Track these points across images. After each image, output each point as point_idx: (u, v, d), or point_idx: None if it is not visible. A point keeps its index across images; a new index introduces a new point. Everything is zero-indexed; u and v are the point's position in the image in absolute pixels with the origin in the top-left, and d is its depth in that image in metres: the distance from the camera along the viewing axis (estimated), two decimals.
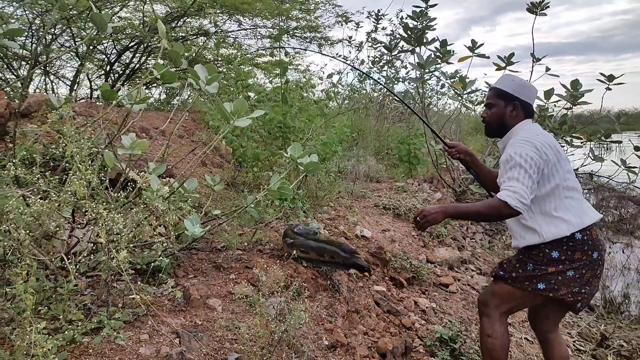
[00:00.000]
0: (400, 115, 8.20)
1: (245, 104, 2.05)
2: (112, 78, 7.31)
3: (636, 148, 5.36)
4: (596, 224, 2.12)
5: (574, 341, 3.51)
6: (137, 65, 7.45)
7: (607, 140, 5.53)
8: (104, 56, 7.16)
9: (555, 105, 5.61)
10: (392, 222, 4.42)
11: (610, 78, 5.34)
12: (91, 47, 6.43)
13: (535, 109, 5.64)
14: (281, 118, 3.59)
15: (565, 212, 2.05)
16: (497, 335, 2.18)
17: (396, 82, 8.84)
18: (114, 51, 7.12)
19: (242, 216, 3.24)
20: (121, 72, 7.47)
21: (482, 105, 2.39)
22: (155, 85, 7.67)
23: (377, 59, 8.92)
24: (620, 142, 5.62)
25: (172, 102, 7.72)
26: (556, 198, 2.06)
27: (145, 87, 6.04)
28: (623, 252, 6.18)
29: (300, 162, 2.14)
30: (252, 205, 2.45)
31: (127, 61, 7.45)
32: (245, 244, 2.95)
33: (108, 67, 7.22)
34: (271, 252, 2.88)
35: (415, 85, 6.53)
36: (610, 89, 5.44)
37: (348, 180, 5.28)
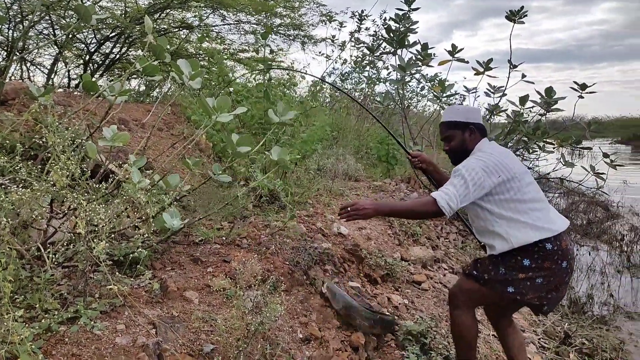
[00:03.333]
0: (380, 116, 8.29)
1: (228, 101, 2.08)
2: (91, 68, 7.21)
3: (605, 155, 5.57)
4: (566, 233, 2.23)
5: (539, 339, 3.65)
6: (117, 56, 7.35)
7: (578, 146, 5.73)
8: (83, 45, 7.05)
9: (530, 111, 5.79)
10: (368, 221, 4.49)
11: (583, 87, 5.52)
12: (70, 36, 6.33)
13: (510, 114, 5.82)
14: (262, 115, 3.63)
15: (531, 220, 2.16)
16: (468, 324, 2.32)
17: (377, 82, 8.95)
18: (94, 41, 7.01)
19: (221, 211, 3.27)
20: (100, 62, 7.36)
21: (441, 140, 2.55)
22: (134, 77, 7.58)
23: (360, 59, 9.01)
24: (590, 148, 5.83)
25: (152, 95, 7.66)
26: (519, 210, 2.17)
27: (125, 78, 5.98)
28: (589, 254, 6.41)
29: (272, 153, 2.18)
30: (238, 196, 2.48)
31: (107, 51, 7.35)
32: (224, 238, 2.97)
33: (87, 57, 7.11)
34: (249, 247, 2.91)
35: (396, 86, 6.63)
36: (582, 97, 5.63)
37: (327, 178, 5.34)
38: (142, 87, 8.00)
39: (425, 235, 4.88)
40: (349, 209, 2.19)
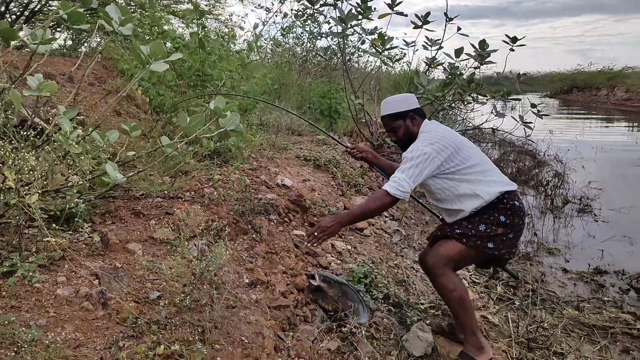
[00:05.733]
0: (322, 71, 8.28)
1: (162, 46, 2.01)
2: (9, 19, 6.60)
3: (532, 105, 5.92)
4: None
5: (470, 275, 3.96)
6: (38, 6, 6.77)
7: (509, 97, 6.05)
8: None
9: (466, 65, 6.02)
10: (312, 173, 4.58)
11: (514, 40, 5.78)
12: None
13: (447, 67, 5.99)
14: (199, 66, 3.53)
15: (487, 177, 2.37)
16: (459, 286, 2.39)
17: (319, 37, 8.85)
18: None
19: (163, 165, 3.21)
20: (19, 13, 6.76)
21: (385, 135, 2.70)
22: (60, 30, 7.03)
23: (301, 13, 8.83)
24: (519, 99, 6.17)
25: (80, 50, 7.15)
26: (475, 172, 2.36)
27: (50, 30, 5.56)
28: None
29: (222, 122, 2.16)
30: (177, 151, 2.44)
31: (26, 1, 6.74)
32: (166, 192, 2.94)
33: (3, 7, 6.49)
34: (192, 200, 2.91)
35: (337, 40, 6.61)
36: (513, 50, 5.89)
37: (270, 132, 5.33)
38: (70, 42, 7.45)
39: (367, 186, 5.05)
40: (315, 233, 2.31)
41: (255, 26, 7.14)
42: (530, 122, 5.90)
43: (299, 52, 9.04)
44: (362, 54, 9.82)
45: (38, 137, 2.12)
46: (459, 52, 5.60)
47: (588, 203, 6.58)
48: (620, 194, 6.81)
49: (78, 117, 2.20)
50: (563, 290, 4.08)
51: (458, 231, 2.40)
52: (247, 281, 2.45)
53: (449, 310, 2.60)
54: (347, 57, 7.29)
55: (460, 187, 2.36)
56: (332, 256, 3.33)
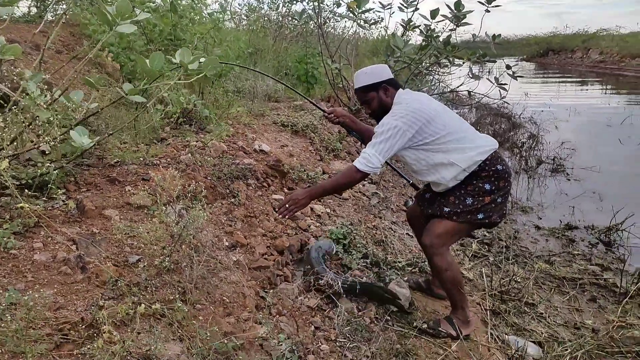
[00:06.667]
0: (299, 36, 8.13)
1: (129, 5, 1.95)
2: None
3: (507, 67, 5.96)
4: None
5: None
6: None
7: (484, 59, 6.06)
8: None
9: (443, 28, 5.98)
10: (290, 139, 4.57)
11: (489, 0, 5.75)
12: None
13: (423, 30, 5.95)
14: (170, 30, 3.43)
15: (462, 144, 2.34)
16: (452, 266, 2.46)
17: (294, 1, 8.65)
18: None
19: (137, 133, 3.17)
20: None
21: (360, 107, 2.65)
22: None
23: None
24: (494, 61, 6.20)
25: (45, 18, 6.84)
26: (450, 140, 2.33)
27: None
28: None
29: (191, 67, 2.10)
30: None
31: None
32: (141, 159, 2.91)
33: None
34: (168, 166, 2.88)
35: (312, 2, 6.48)
36: (489, 11, 5.86)
37: (247, 99, 5.26)
38: (34, 10, 7.12)
39: (345, 150, 5.07)
40: (286, 205, 2.33)
41: None
42: (505, 84, 5.94)
43: (274, 17, 8.83)
44: (338, 19, 9.67)
45: (4, 102, 2.06)
46: (434, 13, 5.55)
47: (561, 163, 6.74)
48: (591, 154, 6.99)
49: (46, 85, 2.13)
50: (535, 246, 4.23)
51: (447, 209, 2.41)
52: (226, 244, 2.47)
53: (428, 268, 2.68)
54: (323, 21, 7.16)
55: (435, 157, 2.35)
56: (311, 219, 3.37)
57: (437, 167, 2.37)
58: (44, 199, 2.17)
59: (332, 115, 2.82)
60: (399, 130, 2.26)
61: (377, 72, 2.49)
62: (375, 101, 2.47)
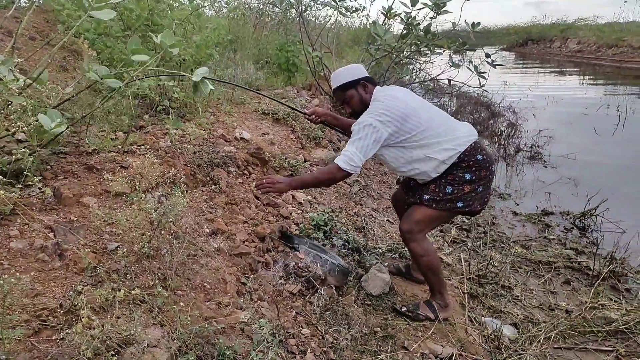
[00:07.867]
0: (279, 24, 8.06)
1: None
2: None
3: (487, 55, 6.02)
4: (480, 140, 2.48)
5: None
6: None
7: (464, 48, 6.11)
8: None
9: (424, 17, 5.99)
10: (271, 127, 4.56)
11: None
12: None
13: (403, 17, 5.96)
14: (147, 15, 3.37)
15: (440, 138, 2.36)
16: (430, 252, 2.50)
17: None
18: None
19: (115, 120, 3.12)
20: None
21: (340, 107, 2.67)
22: None
23: None
24: (474, 49, 6.25)
25: (16, 1, 6.65)
26: (427, 136, 2.36)
27: None
28: None
29: (171, 50, 2.07)
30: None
31: None
32: (119, 147, 2.87)
33: None
34: (147, 153, 2.85)
35: None
36: (469, 0, 5.91)
37: (227, 87, 5.21)
38: None
39: (327, 139, 5.08)
40: (264, 181, 2.36)
41: None
42: (484, 72, 6.01)
43: (255, 5, 8.73)
44: (320, 7, 9.61)
45: None
46: (414, 0, 5.57)
47: (538, 150, 6.87)
48: (568, 142, 7.14)
49: (19, 71, 2.09)
50: (512, 231, 4.33)
51: (426, 197, 2.44)
52: (207, 231, 2.47)
53: (408, 253, 2.72)
54: (304, 9, 7.11)
55: (413, 153, 2.38)
56: (292, 207, 3.39)
57: (416, 162, 2.40)
58: (20, 186, 2.13)
59: (314, 116, 2.86)
60: (375, 128, 2.29)
61: (354, 69, 2.53)
62: (355, 98, 2.49)
